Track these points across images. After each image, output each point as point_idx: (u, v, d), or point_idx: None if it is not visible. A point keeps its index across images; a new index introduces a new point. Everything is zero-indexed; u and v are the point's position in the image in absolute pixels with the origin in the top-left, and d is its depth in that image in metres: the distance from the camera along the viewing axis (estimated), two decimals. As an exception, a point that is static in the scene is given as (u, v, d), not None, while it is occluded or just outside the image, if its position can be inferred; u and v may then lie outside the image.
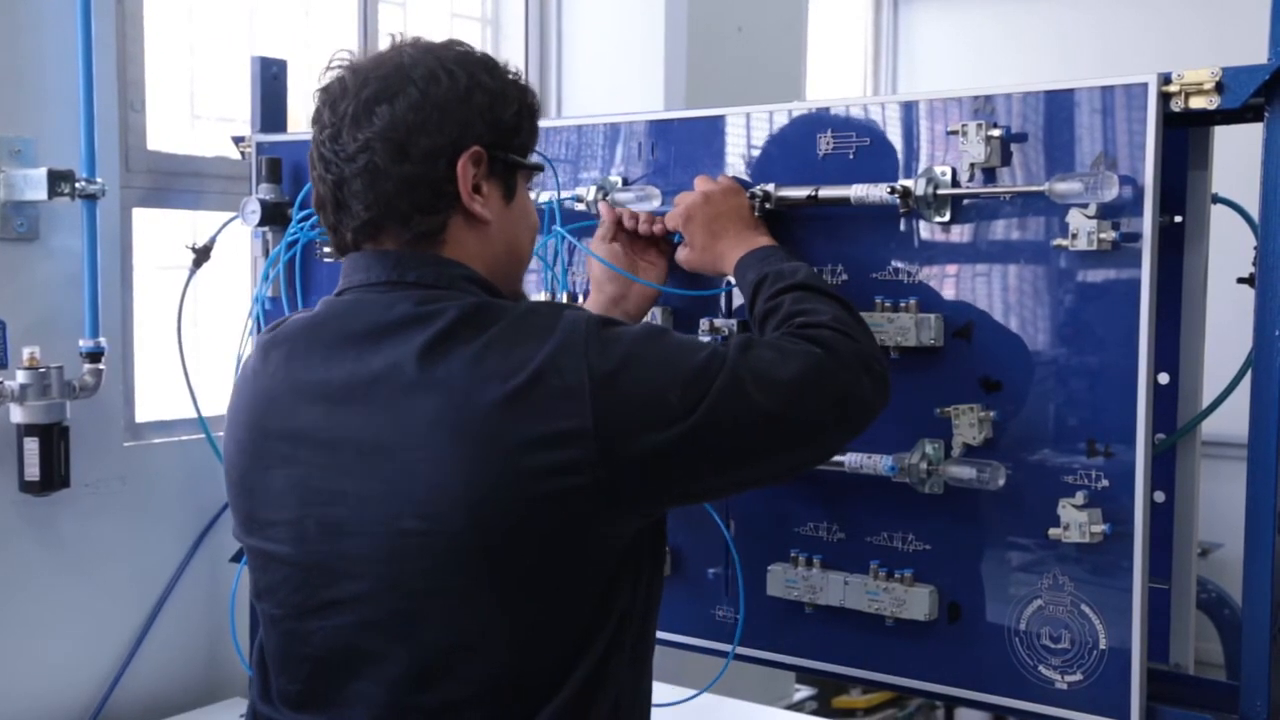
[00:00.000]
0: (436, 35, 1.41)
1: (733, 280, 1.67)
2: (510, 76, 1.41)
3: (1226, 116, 1.53)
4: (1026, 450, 1.62)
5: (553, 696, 1.28)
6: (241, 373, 1.44)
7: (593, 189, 1.90)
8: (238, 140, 2.42)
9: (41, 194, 2.08)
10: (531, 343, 1.25)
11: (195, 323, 2.53)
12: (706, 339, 1.74)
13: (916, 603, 1.68)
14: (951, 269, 1.66)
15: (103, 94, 2.22)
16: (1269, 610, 1.51)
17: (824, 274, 1.73)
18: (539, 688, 1.28)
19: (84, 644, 2.29)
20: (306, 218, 2.16)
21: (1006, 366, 1.63)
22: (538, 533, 1.25)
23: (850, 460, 1.69)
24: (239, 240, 2.41)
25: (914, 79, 5.04)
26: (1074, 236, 1.54)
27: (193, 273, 2.32)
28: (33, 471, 2.12)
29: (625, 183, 1.91)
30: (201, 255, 2.33)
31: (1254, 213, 1.53)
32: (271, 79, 2.44)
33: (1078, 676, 1.60)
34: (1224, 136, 1.67)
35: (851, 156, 1.73)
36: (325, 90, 1.37)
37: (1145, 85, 1.51)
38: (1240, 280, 1.59)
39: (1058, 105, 1.58)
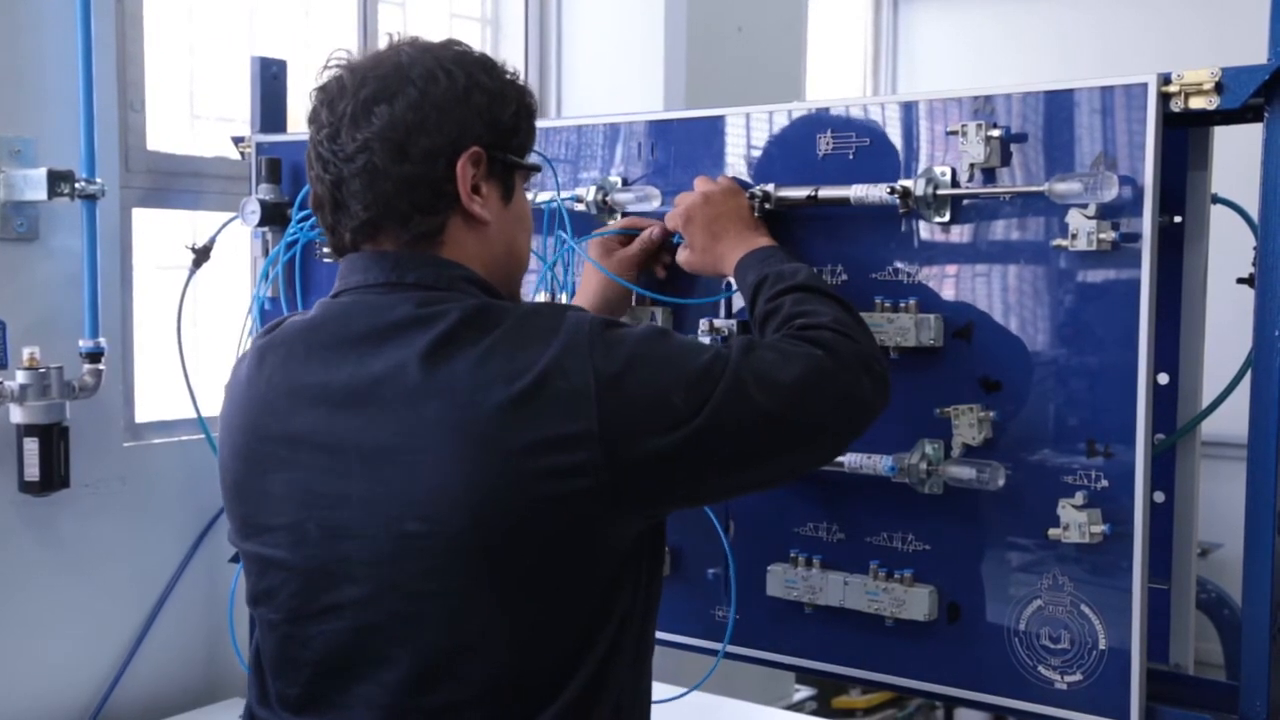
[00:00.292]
0: (436, 35, 1.41)
1: (733, 281, 1.67)
2: (508, 76, 1.41)
3: (1226, 117, 1.53)
4: (1026, 450, 1.62)
5: (554, 698, 1.28)
6: (234, 376, 1.42)
7: (593, 189, 1.90)
8: (237, 140, 2.41)
9: (41, 194, 2.08)
10: (536, 345, 1.25)
11: (195, 323, 2.53)
12: (707, 340, 1.74)
13: (916, 603, 1.68)
14: (951, 269, 1.66)
15: (102, 94, 2.22)
16: (1269, 610, 1.51)
17: (824, 274, 1.73)
18: (540, 689, 1.28)
19: (84, 644, 2.29)
20: (306, 218, 2.16)
21: (1006, 367, 1.63)
22: (539, 534, 1.25)
23: (850, 460, 1.69)
24: (239, 240, 2.41)
25: (914, 79, 5.03)
26: (1074, 237, 1.54)
27: (192, 273, 2.32)
28: (32, 472, 2.12)
29: (625, 183, 1.91)
30: (201, 255, 2.33)
31: (1254, 213, 1.53)
32: (271, 79, 2.44)
33: (1077, 677, 1.60)
34: (1224, 136, 1.67)
35: (851, 157, 1.73)
36: (323, 90, 1.36)
37: (1145, 85, 1.51)
38: (1240, 280, 1.59)
39: (1057, 105, 1.58)
